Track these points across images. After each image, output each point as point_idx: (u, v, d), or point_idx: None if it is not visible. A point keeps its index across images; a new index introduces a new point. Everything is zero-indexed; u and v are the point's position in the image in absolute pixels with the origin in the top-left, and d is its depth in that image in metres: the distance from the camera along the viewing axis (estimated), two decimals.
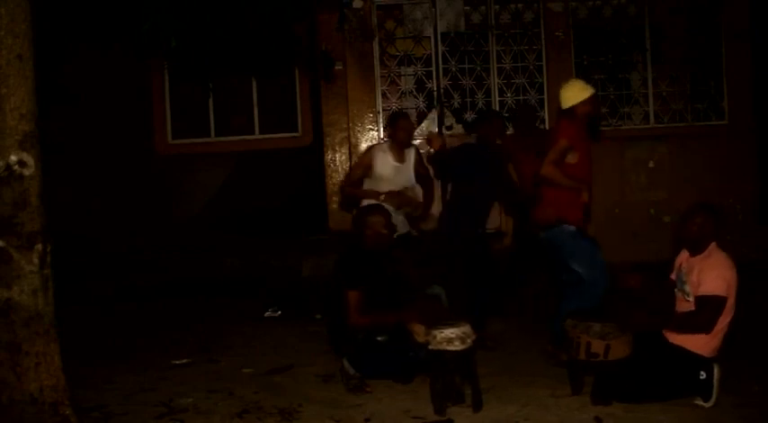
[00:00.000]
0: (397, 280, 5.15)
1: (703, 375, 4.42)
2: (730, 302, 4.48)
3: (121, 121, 9.14)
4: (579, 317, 4.76)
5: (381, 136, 9.03)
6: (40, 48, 4.13)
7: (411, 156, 6.13)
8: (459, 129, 9.21)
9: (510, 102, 9.11)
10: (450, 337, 4.44)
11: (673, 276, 4.75)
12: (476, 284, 5.93)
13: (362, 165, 6.17)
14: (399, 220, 5.81)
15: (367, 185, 6.06)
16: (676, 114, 9.19)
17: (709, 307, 4.43)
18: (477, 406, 4.46)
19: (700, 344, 4.46)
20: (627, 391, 4.46)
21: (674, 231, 4.86)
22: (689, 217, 4.63)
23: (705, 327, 4.44)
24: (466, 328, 4.49)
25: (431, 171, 6.35)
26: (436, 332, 4.46)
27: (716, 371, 4.42)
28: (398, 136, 6.05)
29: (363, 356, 4.89)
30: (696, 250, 4.58)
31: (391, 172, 6.03)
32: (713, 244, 4.57)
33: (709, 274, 4.45)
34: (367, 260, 5.07)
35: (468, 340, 4.48)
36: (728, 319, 4.50)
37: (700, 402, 4.43)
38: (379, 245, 5.09)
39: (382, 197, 5.82)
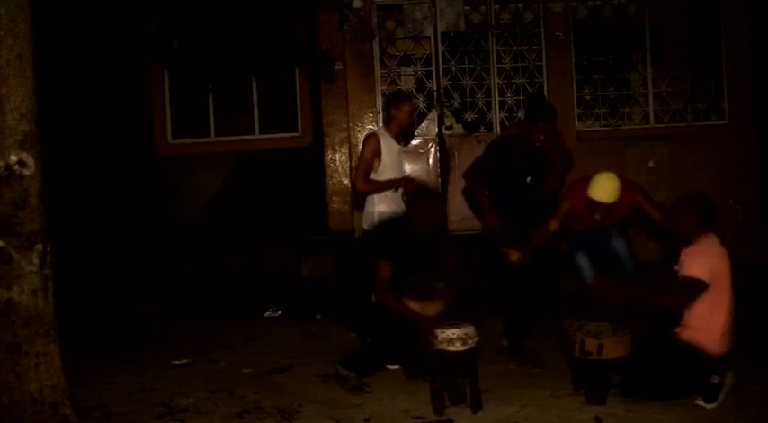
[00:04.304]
0: (431, 266, 5.03)
1: (716, 379, 4.42)
2: (725, 296, 4.47)
3: (121, 121, 9.15)
4: (577, 315, 4.78)
5: None
6: (40, 48, 4.13)
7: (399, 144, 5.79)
8: (459, 129, 9.21)
9: (510, 102, 9.11)
10: (451, 337, 4.44)
11: (676, 267, 4.75)
12: (508, 305, 5.65)
13: (373, 154, 5.61)
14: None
15: (372, 177, 5.66)
16: (676, 114, 9.19)
17: (684, 288, 4.44)
18: (476, 407, 4.46)
19: (708, 340, 4.44)
20: (635, 388, 4.47)
21: (667, 225, 4.88)
22: (677, 210, 4.63)
23: (676, 305, 4.46)
24: (468, 329, 4.49)
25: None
26: (438, 332, 4.47)
27: (729, 377, 4.44)
28: (400, 119, 5.63)
29: (379, 338, 4.88)
30: (689, 241, 4.57)
31: (396, 157, 5.70)
32: (707, 234, 4.54)
33: (693, 259, 4.44)
34: (408, 239, 4.92)
35: (470, 341, 4.48)
36: (727, 312, 4.48)
37: (700, 402, 4.42)
38: (424, 229, 4.93)
39: (402, 182, 5.57)
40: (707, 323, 4.46)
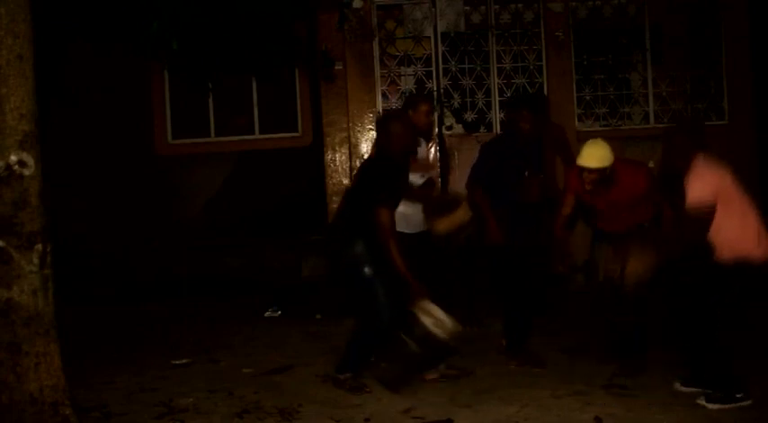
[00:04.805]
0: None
1: (740, 395, 4.41)
2: (744, 202, 4.45)
3: (121, 121, 9.15)
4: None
5: None
6: (40, 48, 4.13)
7: (423, 143, 5.64)
8: (459, 129, 9.21)
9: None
10: (428, 310, 4.59)
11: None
12: (509, 305, 5.60)
13: None
14: (415, 216, 5.38)
15: None
16: (676, 114, 9.19)
17: (691, 218, 4.42)
18: (391, 387, 4.69)
19: (750, 248, 4.40)
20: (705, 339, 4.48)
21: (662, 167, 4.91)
22: (664, 144, 4.63)
23: (696, 234, 4.43)
24: (448, 322, 4.59)
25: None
26: (424, 300, 4.60)
27: (749, 400, 4.41)
28: (420, 120, 5.43)
29: (359, 331, 4.98)
30: (686, 171, 4.51)
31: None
32: (698, 156, 4.49)
33: (692, 187, 4.41)
34: (397, 173, 4.89)
35: (439, 331, 4.58)
36: (753, 216, 4.45)
37: (702, 402, 4.42)
38: (405, 152, 4.93)
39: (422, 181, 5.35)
40: (739, 233, 4.42)
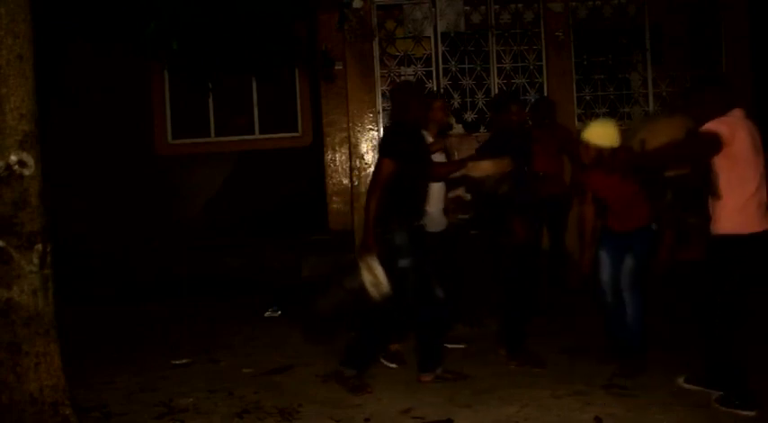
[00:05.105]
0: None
1: (737, 403, 4.34)
2: (752, 168, 4.29)
3: (121, 121, 9.16)
4: None
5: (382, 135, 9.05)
6: (40, 48, 4.13)
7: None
8: (459, 129, 9.21)
9: None
10: (370, 264, 4.64)
11: None
12: (509, 305, 5.56)
13: None
14: (437, 215, 5.46)
15: None
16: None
17: (692, 138, 4.33)
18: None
19: (740, 222, 4.30)
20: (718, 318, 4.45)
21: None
22: (690, 98, 4.50)
23: (690, 155, 4.39)
24: (384, 285, 4.63)
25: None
26: (371, 256, 4.64)
27: (755, 412, 4.33)
28: (436, 117, 5.57)
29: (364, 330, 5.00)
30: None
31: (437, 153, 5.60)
32: (728, 112, 4.35)
33: (711, 124, 4.28)
34: (412, 136, 4.96)
35: (373, 290, 4.62)
36: (754, 184, 4.30)
37: (715, 405, 4.39)
38: (416, 119, 5.02)
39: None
40: (733, 197, 4.31)
